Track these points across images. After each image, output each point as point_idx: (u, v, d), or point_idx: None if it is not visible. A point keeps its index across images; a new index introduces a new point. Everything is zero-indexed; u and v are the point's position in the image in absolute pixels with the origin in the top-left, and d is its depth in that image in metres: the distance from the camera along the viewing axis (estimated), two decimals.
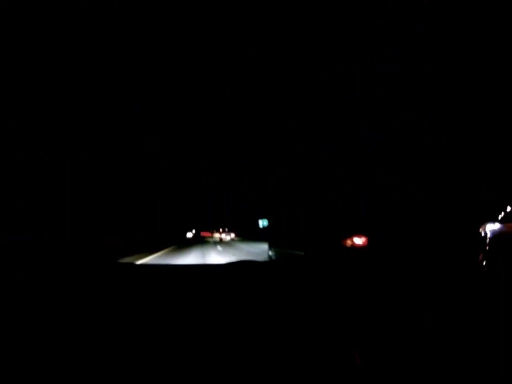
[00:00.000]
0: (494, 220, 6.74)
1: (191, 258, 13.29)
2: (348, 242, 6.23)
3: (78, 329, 2.38)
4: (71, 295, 2.98)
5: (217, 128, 10.29)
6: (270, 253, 10.52)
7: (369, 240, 6.19)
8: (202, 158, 10.36)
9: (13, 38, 8.68)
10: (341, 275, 4.37)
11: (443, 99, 8.18)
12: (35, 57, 9.27)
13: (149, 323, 2.45)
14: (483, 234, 6.69)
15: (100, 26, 8.54)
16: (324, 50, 8.72)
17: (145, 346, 2.23)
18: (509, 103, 7.62)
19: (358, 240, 6.23)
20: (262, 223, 11.70)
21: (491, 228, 6.62)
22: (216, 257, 13.85)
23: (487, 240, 6.48)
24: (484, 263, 6.06)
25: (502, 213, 6.60)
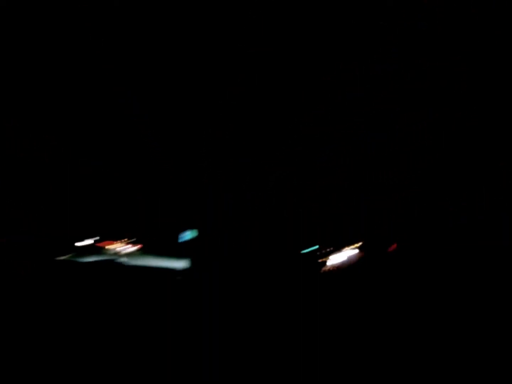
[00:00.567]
0: None
1: None
2: None
3: None
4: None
5: (217, 128, 10.30)
6: None
7: None
8: (202, 158, 10.37)
9: (13, 38, 8.69)
10: None
11: (443, 99, 8.19)
12: (35, 57, 9.28)
13: None
14: None
15: (100, 26, 8.54)
16: (324, 50, 8.72)
17: None
18: (509, 103, 7.62)
19: None
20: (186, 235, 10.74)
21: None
22: None
23: None
24: None
25: None
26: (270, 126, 10.25)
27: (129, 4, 8.15)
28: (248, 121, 10.20)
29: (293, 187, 10.67)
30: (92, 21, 8.40)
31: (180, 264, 9.68)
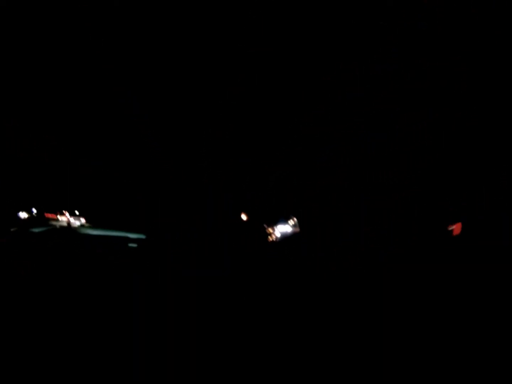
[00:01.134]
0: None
1: None
2: None
3: None
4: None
5: (217, 128, 10.30)
6: None
7: None
8: (202, 158, 10.37)
9: (14, 38, 8.69)
10: None
11: (443, 99, 8.18)
12: (36, 57, 9.28)
13: None
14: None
15: (100, 26, 8.54)
16: (324, 50, 8.72)
17: None
18: (509, 103, 7.62)
19: None
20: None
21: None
22: None
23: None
24: None
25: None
26: (270, 126, 10.26)
27: (129, 4, 8.15)
28: (248, 121, 10.20)
29: (293, 187, 10.67)
30: (92, 21, 8.39)
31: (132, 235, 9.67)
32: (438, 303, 3.35)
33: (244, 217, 6.56)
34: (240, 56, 9.13)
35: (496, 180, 7.44)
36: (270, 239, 6.10)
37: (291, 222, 6.40)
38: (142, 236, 9.05)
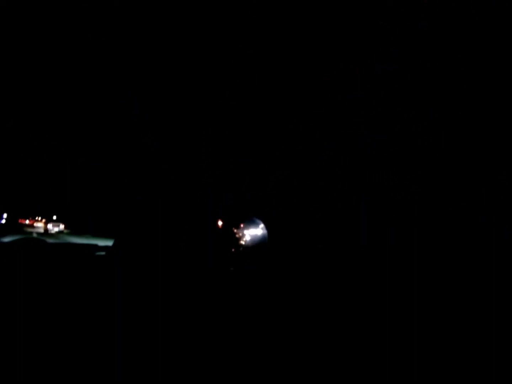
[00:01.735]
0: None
1: None
2: None
3: None
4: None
5: (217, 128, 10.29)
6: None
7: None
8: (202, 158, 10.36)
9: (14, 38, 8.68)
10: None
11: (443, 99, 8.18)
12: (36, 57, 9.27)
13: None
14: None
15: (100, 26, 8.53)
16: (324, 50, 8.72)
17: None
18: (509, 103, 7.61)
19: None
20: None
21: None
22: None
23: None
24: None
25: None
26: (270, 126, 10.24)
27: (129, 4, 8.14)
28: (248, 121, 10.19)
29: (293, 187, 10.66)
30: (92, 21, 8.39)
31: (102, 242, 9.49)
32: (438, 302, 3.34)
33: (219, 222, 6.75)
34: (240, 56, 9.12)
35: (496, 180, 7.44)
36: (240, 242, 6.33)
37: (260, 226, 6.61)
38: (111, 243, 8.90)
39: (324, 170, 10.03)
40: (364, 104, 9.00)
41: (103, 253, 8.03)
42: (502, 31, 7.06)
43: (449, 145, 8.10)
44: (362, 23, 7.89)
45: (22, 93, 10.16)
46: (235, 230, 6.82)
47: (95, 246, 10.20)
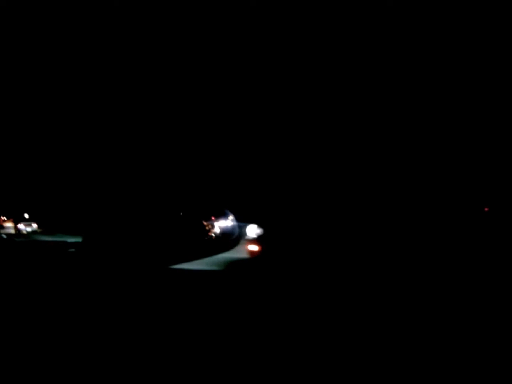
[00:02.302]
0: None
1: None
2: None
3: None
4: None
5: (217, 128, 10.31)
6: None
7: None
8: (202, 158, 10.37)
9: (14, 38, 8.69)
10: None
11: (443, 99, 8.19)
12: (36, 57, 9.28)
13: None
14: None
15: (100, 26, 8.54)
16: (324, 50, 8.73)
17: None
18: (509, 103, 7.63)
19: None
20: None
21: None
22: None
23: None
24: None
25: None
26: (270, 126, 10.26)
27: (129, 4, 8.15)
28: (248, 121, 10.19)
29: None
30: (92, 21, 8.40)
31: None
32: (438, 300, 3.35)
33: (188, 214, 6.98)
34: (240, 56, 9.14)
35: (496, 179, 7.45)
36: (210, 233, 6.54)
37: (230, 217, 6.82)
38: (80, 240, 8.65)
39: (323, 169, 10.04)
40: (364, 104, 9.01)
41: (73, 249, 7.89)
42: (502, 31, 7.08)
43: (448, 145, 8.11)
44: (362, 23, 7.91)
45: (21, 93, 10.17)
46: (205, 223, 7.11)
47: (65, 243, 10.03)
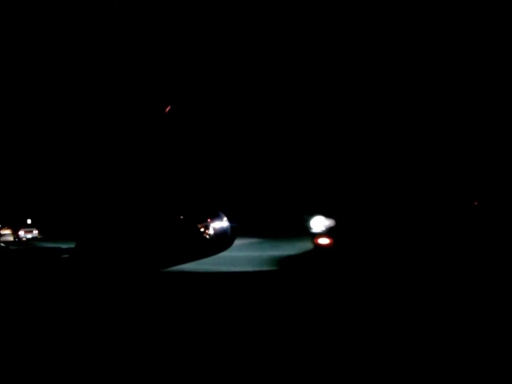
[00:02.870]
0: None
1: None
2: None
3: None
4: None
5: (217, 129, 10.33)
6: None
7: None
8: (202, 158, 10.40)
9: (14, 38, 8.69)
10: None
11: (442, 99, 8.20)
12: (36, 58, 9.28)
13: None
14: None
15: (100, 26, 8.54)
16: (324, 50, 8.74)
17: None
18: (509, 103, 7.64)
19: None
20: None
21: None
22: None
23: None
24: None
25: None
26: (270, 126, 10.27)
27: (129, 4, 8.16)
28: (248, 122, 10.21)
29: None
30: (92, 21, 8.40)
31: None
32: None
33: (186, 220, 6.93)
34: (239, 56, 9.15)
35: (496, 180, 7.45)
36: (205, 234, 6.41)
37: (224, 219, 6.68)
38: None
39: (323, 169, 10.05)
40: (364, 104, 9.02)
41: (66, 255, 7.73)
42: (502, 31, 7.09)
43: (449, 145, 8.12)
44: (362, 23, 7.91)
45: (21, 92, 10.18)
46: (199, 225, 7.09)
47: (59, 249, 9.85)
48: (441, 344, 2.35)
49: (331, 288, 3.98)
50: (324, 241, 6.04)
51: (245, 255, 7.66)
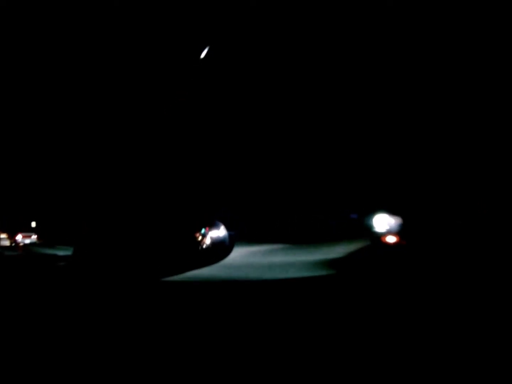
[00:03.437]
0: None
1: None
2: None
3: None
4: None
5: (216, 129, 10.31)
6: None
7: None
8: (202, 158, 10.38)
9: (14, 39, 8.69)
10: None
11: (442, 99, 8.19)
12: (36, 58, 9.28)
13: None
14: None
15: (100, 26, 8.54)
16: (324, 50, 8.73)
17: None
18: (509, 103, 7.63)
19: None
20: None
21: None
22: None
23: None
24: None
25: None
26: (269, 127, 10.26)
27: (129, 4, 8.16)
28: (248, 122, 10.20)
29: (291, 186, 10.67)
30: (92, 21, 8.40)
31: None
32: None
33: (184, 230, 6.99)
34: (239, 56, 9.14)
35: (495, 180, 7.44)
36: (203, 243, 6.38)
37: (221, 227, 6.69)
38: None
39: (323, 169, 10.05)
40: (364, 104, 9.01)
41: (62, 263, 7.39)
42: (502, 31, 7.08)
43: (448, 145, 8.11)
44: (362, 23, 7.91)
45: (21, 93, 10.17)
46: (197, 234, 7.13)
47: (55, 256, 9.44)
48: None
49: (405, 291, 3.70)
50: (393, 239, 5.57)
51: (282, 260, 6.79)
